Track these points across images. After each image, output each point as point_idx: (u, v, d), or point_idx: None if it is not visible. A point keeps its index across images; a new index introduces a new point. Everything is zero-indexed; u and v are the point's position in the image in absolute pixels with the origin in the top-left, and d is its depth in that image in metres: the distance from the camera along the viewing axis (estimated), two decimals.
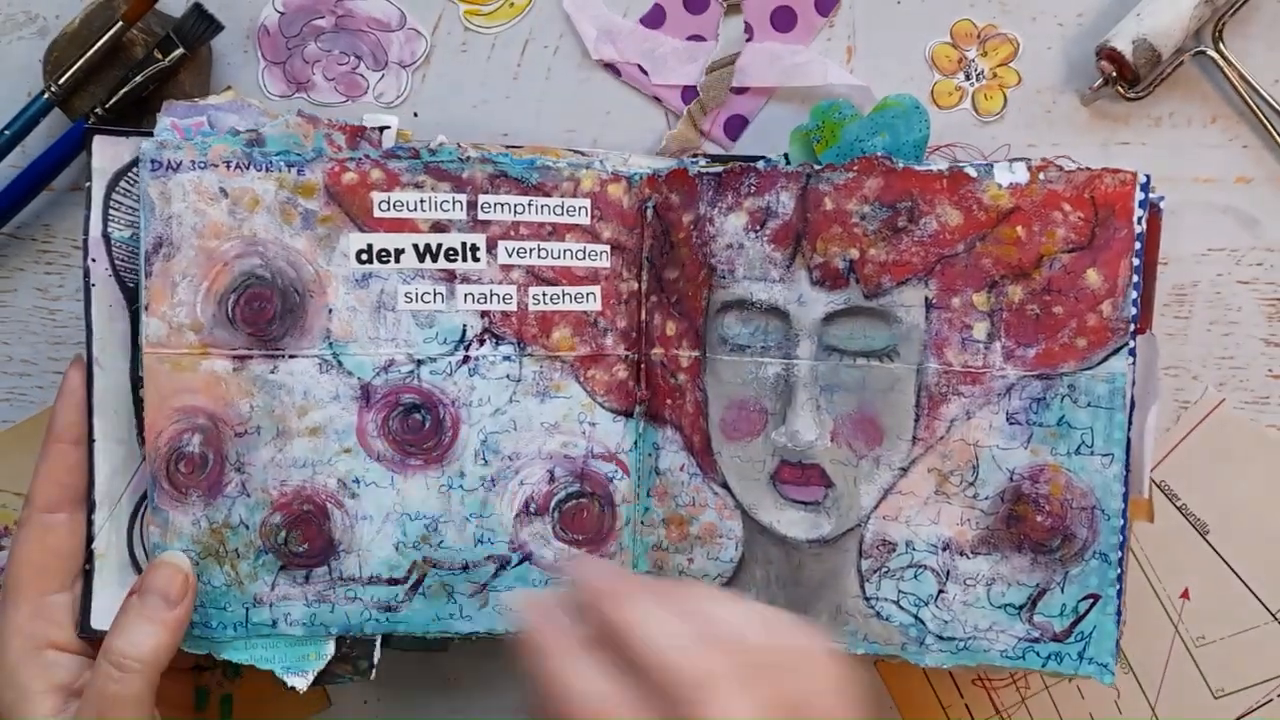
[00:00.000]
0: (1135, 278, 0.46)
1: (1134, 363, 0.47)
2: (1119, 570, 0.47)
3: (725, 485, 0.49)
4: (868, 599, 0.48)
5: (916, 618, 0.48)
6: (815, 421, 0.48)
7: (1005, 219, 0.46)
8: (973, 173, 0.47)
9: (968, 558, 0.48)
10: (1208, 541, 0.55)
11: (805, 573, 0.49)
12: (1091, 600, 0.47)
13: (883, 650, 0.49)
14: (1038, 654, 0.48)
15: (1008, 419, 0.47)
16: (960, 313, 0.47)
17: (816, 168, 0.47)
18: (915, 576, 0.48)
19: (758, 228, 0.47)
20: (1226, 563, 0.55)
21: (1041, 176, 0.46)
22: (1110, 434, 0.47)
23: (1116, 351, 0.46)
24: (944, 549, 0.48)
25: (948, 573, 0.48)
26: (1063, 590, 0.47)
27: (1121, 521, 0.47)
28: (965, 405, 0.47)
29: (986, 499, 0.48)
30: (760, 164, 0.48)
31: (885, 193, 0.47)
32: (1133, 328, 0.47)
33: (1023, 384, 0.47)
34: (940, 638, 0.48)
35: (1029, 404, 0.47)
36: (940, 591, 0.48)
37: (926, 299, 0.47)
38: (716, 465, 0.49)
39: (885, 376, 0.47)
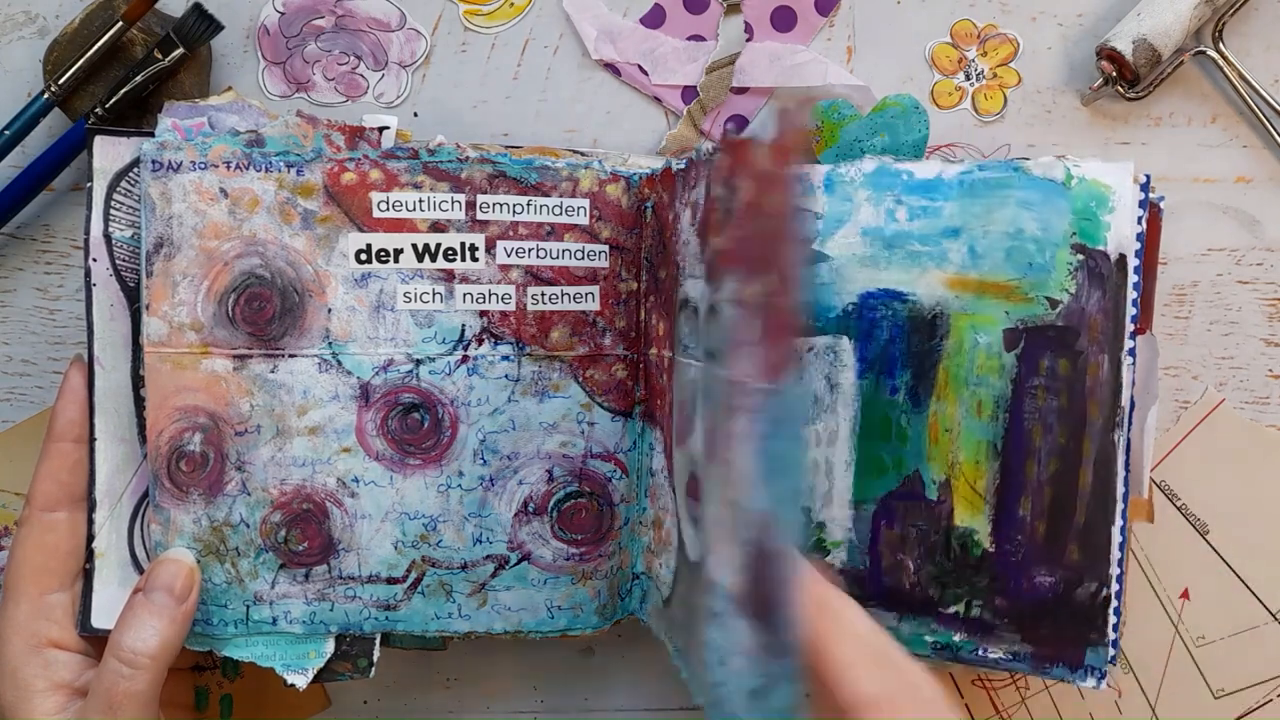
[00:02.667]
0: (1135, 277, 0.45)
1: (1134, 363, 0.46)
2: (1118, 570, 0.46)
3: (674, 491, 0.46)
4: None
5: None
6: (702, 430, 0.42)
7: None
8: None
9: None
10: (1208, 541, 0.55)
11: (694, 598, 0.42)
12: None
13: None
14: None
15: None
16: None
17: (711, 149, 0.42)
18: None
19: (694, 221, 0.44)
20: (1226, 563, 0.55)
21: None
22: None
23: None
24: None
25: None
26: None
27: (1121, 522, 0.47)
28: None
29: None
30: (693, 153, 0.44)
31: (731, 171, 0.39)
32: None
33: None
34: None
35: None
36: None
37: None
38: (675, 470, 0.46)
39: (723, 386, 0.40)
